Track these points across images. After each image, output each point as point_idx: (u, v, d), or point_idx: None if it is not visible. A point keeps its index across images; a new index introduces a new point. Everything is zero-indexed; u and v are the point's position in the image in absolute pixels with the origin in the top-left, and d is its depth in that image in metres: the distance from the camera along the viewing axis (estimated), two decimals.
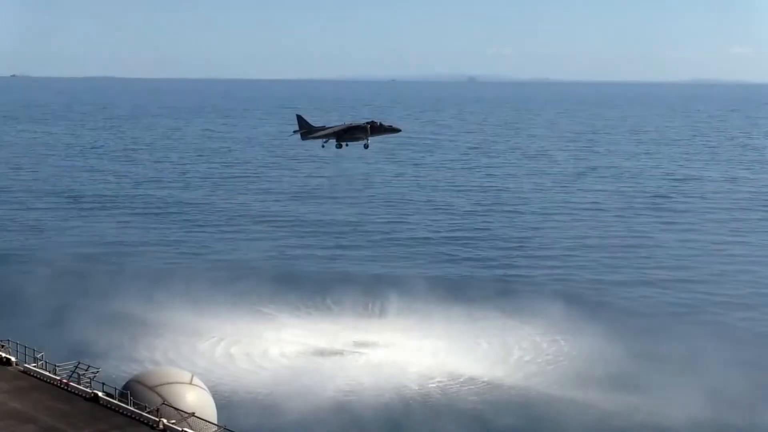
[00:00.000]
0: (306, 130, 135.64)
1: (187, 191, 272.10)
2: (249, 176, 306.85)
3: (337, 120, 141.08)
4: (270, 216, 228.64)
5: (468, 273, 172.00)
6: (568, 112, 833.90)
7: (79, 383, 69.38)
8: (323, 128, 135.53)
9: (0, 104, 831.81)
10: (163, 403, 65.46)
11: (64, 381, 69.86)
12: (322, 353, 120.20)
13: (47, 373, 71.65)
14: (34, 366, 72.92)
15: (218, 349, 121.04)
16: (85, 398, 67.38)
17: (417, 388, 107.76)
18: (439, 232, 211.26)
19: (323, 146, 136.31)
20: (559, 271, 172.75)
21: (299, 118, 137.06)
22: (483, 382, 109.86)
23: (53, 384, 69.95)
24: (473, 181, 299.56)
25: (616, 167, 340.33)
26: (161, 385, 67.73)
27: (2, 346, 75.67)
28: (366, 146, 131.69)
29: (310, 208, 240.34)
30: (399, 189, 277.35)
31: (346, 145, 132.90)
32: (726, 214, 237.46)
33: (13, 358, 74.39)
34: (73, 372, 70.75)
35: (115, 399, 66.67)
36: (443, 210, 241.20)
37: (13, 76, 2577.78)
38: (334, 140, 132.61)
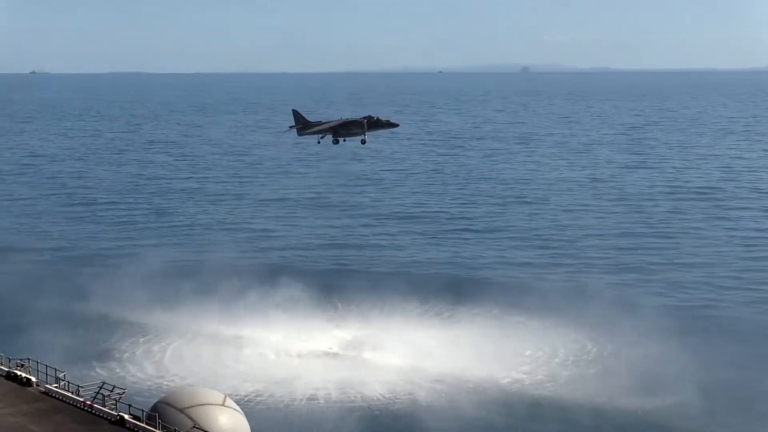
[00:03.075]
0: (302, 125, 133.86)
1: (202, 183, 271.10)
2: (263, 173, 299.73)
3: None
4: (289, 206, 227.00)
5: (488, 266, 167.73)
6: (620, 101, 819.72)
7: (103, 405, 66.03)
8: (320, 123, 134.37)
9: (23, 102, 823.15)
10: (194, 426, 62.11)
11: (88, 403, 66.50)
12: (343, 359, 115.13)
13: (70, 395, 68.34)
14: (56, 387, 69.59)
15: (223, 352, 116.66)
16: (110, 421, 64.19)
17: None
18: (473, 224, 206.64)
19: (319, 142, 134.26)
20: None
21: (295, 113, 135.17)
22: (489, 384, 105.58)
23: (76, 406, 66.69)
24: (506, 174, 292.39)
25: (666, 159, 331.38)
26: (192, 406, 64.09)
27: (22, 366, 72.34)
28: (363, 141, 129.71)
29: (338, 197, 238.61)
30: (428, 181, 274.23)
31: (344, 140, 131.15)
32: None
33: (33, 379, 70.98)
34: (98, 393, 67.31)
35: (143, 422, 63.20)
36: (472, 203, 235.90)
37: (33, 72, 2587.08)
38: (331, 135, 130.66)
